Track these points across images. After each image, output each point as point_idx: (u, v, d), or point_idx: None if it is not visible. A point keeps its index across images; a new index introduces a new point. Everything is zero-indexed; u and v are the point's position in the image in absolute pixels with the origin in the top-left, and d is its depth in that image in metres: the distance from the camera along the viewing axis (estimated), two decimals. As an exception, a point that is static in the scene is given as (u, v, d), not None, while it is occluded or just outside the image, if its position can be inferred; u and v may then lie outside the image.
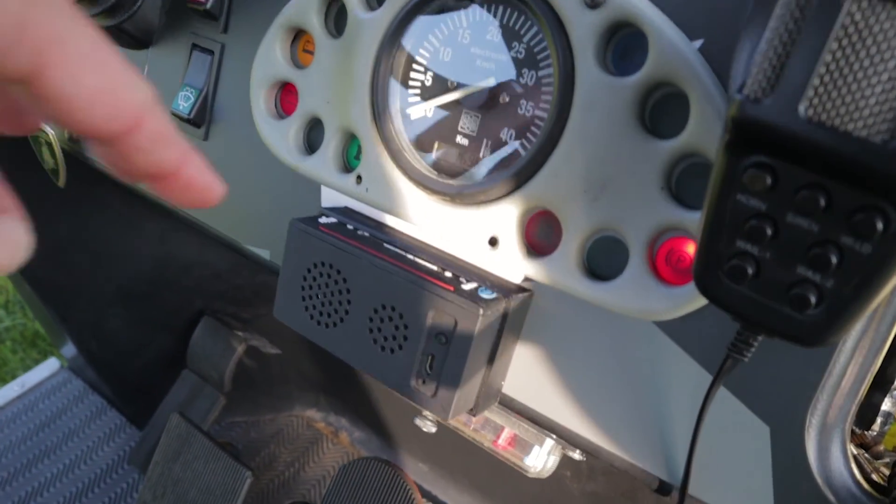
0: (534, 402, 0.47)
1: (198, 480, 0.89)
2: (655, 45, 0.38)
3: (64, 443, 1.20)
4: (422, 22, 0.48)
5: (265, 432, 1.23)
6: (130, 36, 0.64)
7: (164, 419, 1.09)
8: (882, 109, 0.25)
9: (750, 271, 0.30)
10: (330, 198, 0.55)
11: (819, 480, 0.38)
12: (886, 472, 0.49)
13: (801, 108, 0.26)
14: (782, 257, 0.29)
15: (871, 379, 0.39)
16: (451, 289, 0.43)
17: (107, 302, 1.11)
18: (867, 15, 0.25)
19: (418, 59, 0.48)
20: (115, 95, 0.22)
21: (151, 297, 1.12)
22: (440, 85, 0.48)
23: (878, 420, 0.53)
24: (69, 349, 1.23)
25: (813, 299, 0.29)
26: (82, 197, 0.97)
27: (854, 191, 0.27)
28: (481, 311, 0.41)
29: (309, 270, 0.49)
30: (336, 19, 0.53)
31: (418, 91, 0.49)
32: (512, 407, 0.48)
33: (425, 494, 1.09)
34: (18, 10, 0.20)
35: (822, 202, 0.27)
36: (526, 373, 0.47)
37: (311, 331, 0.49)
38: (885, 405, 0.53)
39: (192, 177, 0.25)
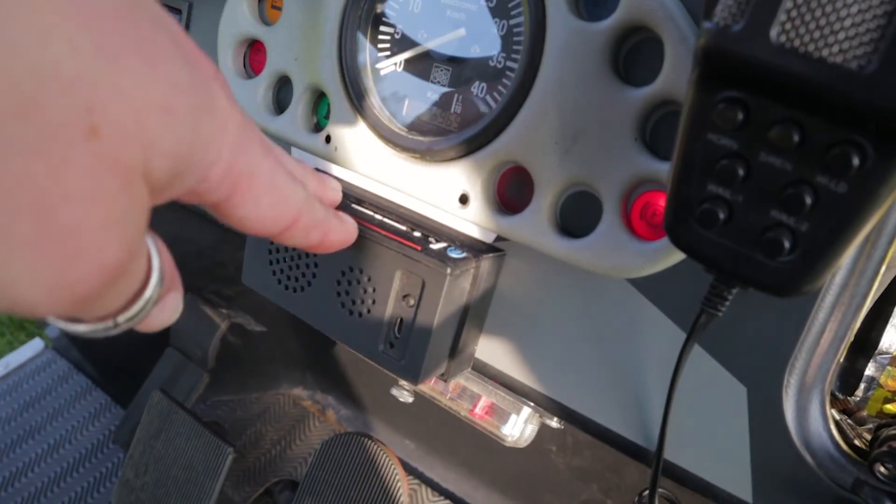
0: (508, 367, 0.45)
1: (180, 457, 0.88)
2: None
3: (49, 422, 1.19)
4: (390, -28, 0.45)
5: (251, 411, 1.22)
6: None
7: (148, 397, 1.08)
8: (858, 32, 0.23)
9: (721, 216, 0.29)
10: (301, 158, 0.53)
11: (797, 442, 0.37)
12: (869, 437, 0.48)
13: (773, 34, 0.25)
14: (755, 200, 0.28)
15: (852, 337, 0.37)
16: (419, 248, 0.41)
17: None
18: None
19: (387, 11, 0.46)
20: (281, 207, 0.26)
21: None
22: (410, 39, 0.46)
23: (862, 386, 0.52)
24: (53, 329, 1.21)
25: (787, 244, 0.27)
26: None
27: (829, 124, 0.25)
28: (449, 271, 0.40)
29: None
30: (304, -27, 0.51)
31: (388, 45, 0.47)
32: (486, 373, 0.46)
33: (412, 471, 1.08)
34: (230, 156, 0.22)
35: (796, 138, 0.26)
36: (499, 337, 0.45)
37: (280, 296, 0.48)
38: (869, 370, 0.51)
39: (333, 242, 0.32)
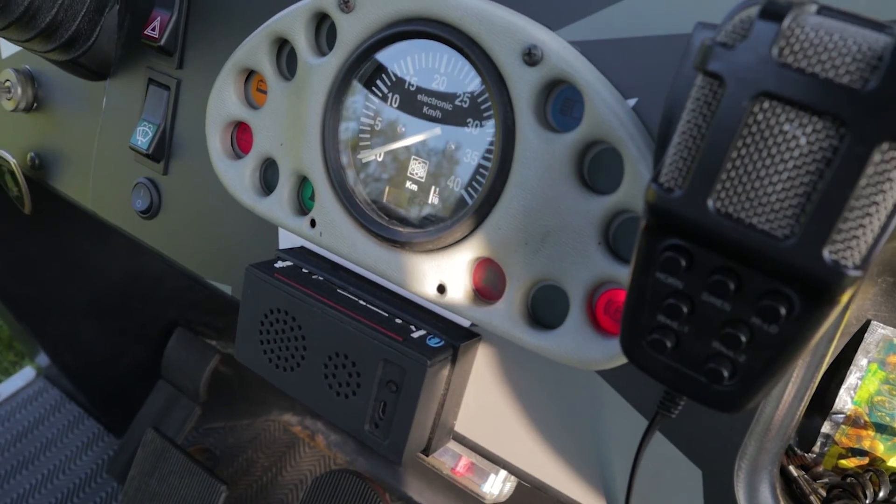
0: (484, 440, 0.48)
1: (174, 494, 0.91)
2: (590, 103, 0.39)
3: (42, 453, 1.21)
4: (369, 70, 0.48)
5: (242, 437, 1.24)
6: (87, 69, 0.63)
7: (141, 430, 1.10)
8: (783, 206, 0.27)
9: (669, 344, 0.32)
10: (288, 236, 0.56)
11: (750, 519, 0.40)
12: (824, 493, 0.51)
13: (710, 203, 0.28)
14: (699, 333, 0.31)
15: (797, 424, 0.41)
16: (400, 339, 0.44)
17: (80, 314, 1.11)
18: (769, 116, 0.26)
19: (367, 104, 0.49)
20: None
21: (124, 308, 1.13)
22: (390, 130, 0.48)
23: (819, 442, 0.55)
24: (43, 358, 1.23)
25: (726, 373, 0.31)
26: (51, 214, 0.96)
27: (761, 276, 0.28)
28: (429, 363, 0.42)
29: (266, 316, 0.50)
30: (288, 60, 0.53)
31: (368, 136, 0.49)
32: (465, 443, 0.49)
33: (401, 497, 1.12)
34: None
35: (733, 286, 0.29)
36: (477, 412, 0.48)
37: (271, 374, 0.50)
38: (825, 428, 0.55)
39: None
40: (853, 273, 0.26)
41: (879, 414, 0.54)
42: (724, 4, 0.37)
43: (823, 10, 0.27)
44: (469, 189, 0.46)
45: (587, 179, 0.41)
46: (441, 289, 0.46)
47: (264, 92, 0.55)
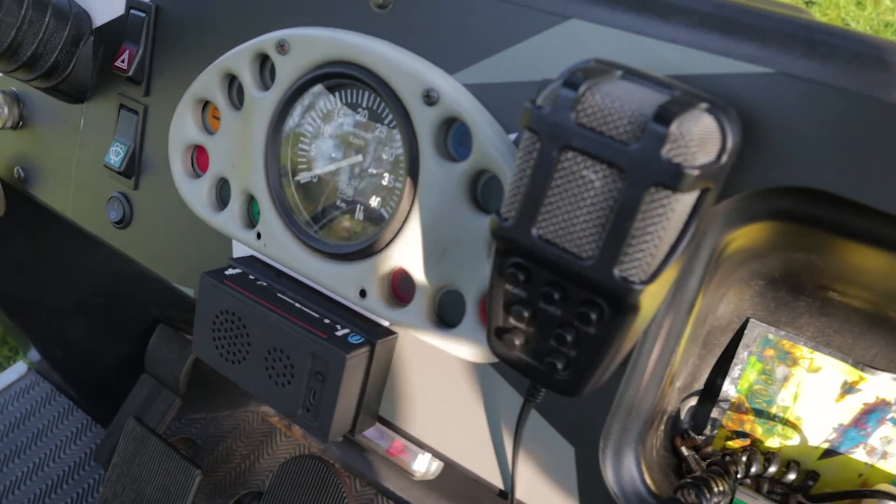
0: (406, 424, 0.56)
1: (153, 478, 0.98)
2: (476, 138, 0.47)
3: (33, 443, 1.28)
4: (305, 102, 0.56)
5: (223, 428, 1.32)
6: (66, 94, 0.71)
7: (125, 421, 1.18)
8: (585, 233, 0.34)
9: (518, 342, 0.39)
10: (240, 245, 0.64)
11: (614, 491, 0.48)
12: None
13: (534, 230, 0.35)
14: (539, 332, 0.38)
15: (660, 405, 0.48)
16: (325, 336, 0.52)
17: (68, 313, 1.19)
18: (572, 164, 0.34)
19: (303, 133, 0.56)
20: None
21: (109, 307, 1.20)
22: (322, 156, 0.56)
23: (709, 426, 0.63)
24: (34, 354, 1.31)
25: (560, 365, 0.38)
26: (40, 221, 1.04)
27: (579, 288, 0.36)
28: (347, 356, 0.50)
29: (217, 316, 0.57)
30: (238, 92, 0.61)
31: (305, 161, 0.57)
32: (390, 427, 0.57)
33: (371, 482, 1.19)
34: None
35: (558, 296, 0.36)
36: (399, 399, 0.56)
37: (222, 366, 0.58)
38: (714, 414, 0.63)
39: None
40: (639, 287, 0.33)
41: (758, 401, 0.61)
42: (588, 55, 0.44)
43: (627, 75, 0.34)
44: (386, 208, 0.53)
45: (480, 201, 0.49)
46: (363, 293, 0.54)
47: (219, 119, 0.62)
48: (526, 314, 0.38)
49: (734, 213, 0.42)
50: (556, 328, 0.37)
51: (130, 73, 0.66)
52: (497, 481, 0.52)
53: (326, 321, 0.54)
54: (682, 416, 0.64)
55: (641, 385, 0.47)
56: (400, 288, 0.54)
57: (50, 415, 1.33)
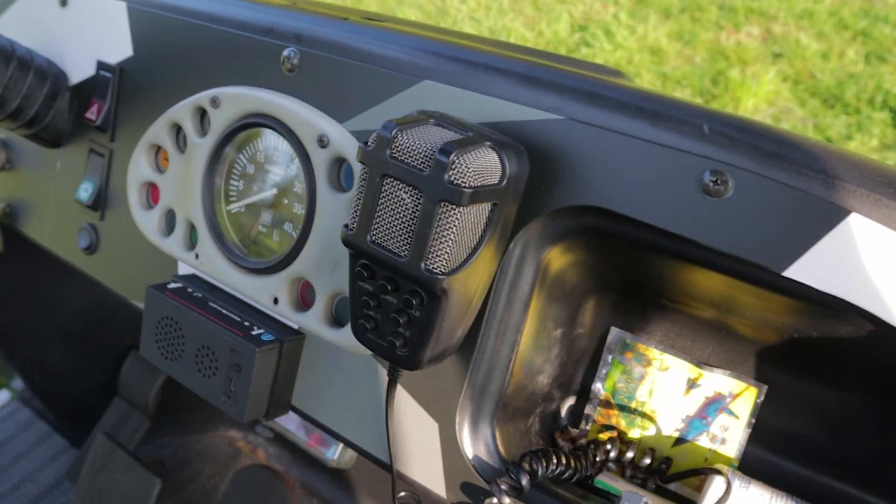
0: (314, 411, 0.67)
1: (118, 488, 1.08)
2: (356, 173, 0.59)
3: (13, 465, 1.37)
4: (234, 146, 0.68)
5: (191, 451, 1.41)
6: (45, 140, 0.84)
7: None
8: (402, 237, 0.46)
9: (370, 326, 0.51)
10: (184, 266, 0.76)
11: (468, 459, 0.58)
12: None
13: (368, 236, 0.47)
14: (383, 318, 0.50)
15: (503, 386, 0.59)
16: (242, 335, 0.63)
17: (48, 341, 1.30)
18: (390, 187, 0.46)
19: (234, 170, 0.69)
20: None
21: (86, 335, 1.31)
22: (247, 190, 0.68)
23: (583, 420, 0.74)
24: (18, 382, 1.41)
25: (398, 343, 0.50)
26: (23, 253, 1.16)
27: (404, 280, 0.48)
28: (257, 350, 0.61)
29: (159, 322, 0.69)
30: (182, 139, 0.74)
31: (235, 194, 0.69)
32: (301, 415, 0.68)
33: (307, 487, 1.27)
34: None
35: (392, 287, 0.48)
36: (308, 390, 0.67)
37: (162, 363, 0.69)
38: (587, 410, 0.73)
39: None
40: (442, 277, 0.45)
41: (621, 397, 0.72)
42: (434, 107, 0.57)
43: (439, 121, 0.47)
44: (295, 231, 0.65)
45: (364, 223, 0.61)
46: (276, 301, 0.65)
47: (168, 160, 0.75)
48: (372, 304, 0.50)
49: (549, 229, 0.54)
50: (393, 313, 0.49)
51: (98, 122, 0.79)
52: (383, 456, 0.62)
53: (246, 324, 0.66)
54: (563, 413, 0.75)
55: (489, 370, 0.57)
56: (306, 296, 0.66)
57: (29, 439, 1.42)
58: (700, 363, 0.68)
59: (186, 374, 0.67)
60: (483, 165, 0.44)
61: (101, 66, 0.79)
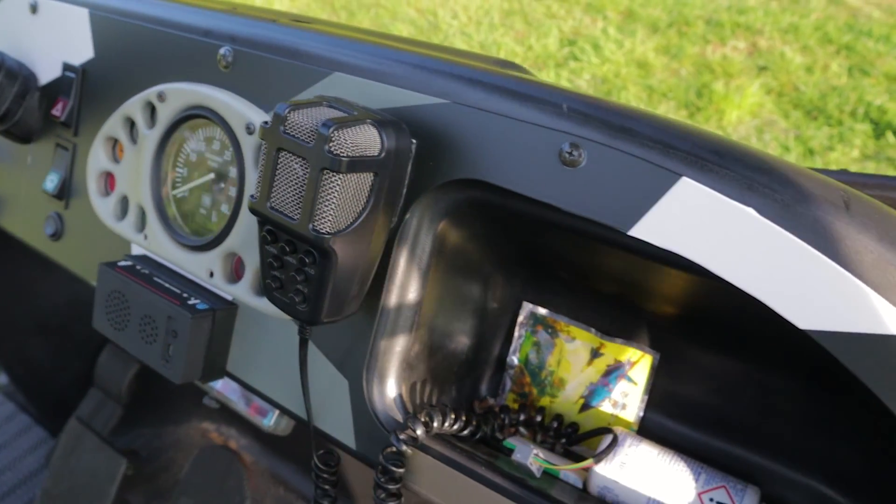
0: (247, 376, 0.73)
1: (87, 468, 1.14)
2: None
3: (-6, 455, 1.44)
4: (179, 137, 0.75)
5: (166, 441, 1.47)
6: (16, 136, 0.91)
7: (71, 426, 1.33)
8: (294, 202, 0.52)
9: (275, 285, 0.57)
10: (137, 248, 0.82)
11: (374, 415, 0.64)
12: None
13: (268, 204, 0.54)
14: (285, 277, 0.56)
15: (408, 347, 0.65)
16: (178, 304, 0.69)
17: (29, 334, 1.37)
18: (284, 159, 0.52)
19: (178, 159, 0.76)
20: None
21: (66, 328, 1.38)
22: (190, 175, 0.75)
23: (500, 389, 0.79)
24: (2, 377, 1.48)
25: (298, 299, 0.56)
26: (3, 250, 1.23)
27: (300, 241, 0.54)
28: (190, 317, 0.68)
29: (108, 295, 0.75)
30: (135, 131, 0.81)
31: (180, 179, 0.76)
32: (235, 380, 0.74)
33: (267, 469, 1.32)
34: None
35: (290, 248, 0.55)
36: (241, 356, 0.73)
37: (111, 333, 0.76)
38: (504, 380, 0.79)
39: None
40: (328, 236, 0.52)
41: (532, 367, 0.78)
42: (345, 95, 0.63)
43: (331, 103, 0.54)
44: (230, 211, 0.72)
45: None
46: (211, 274, 0.72)
47: (123, 151, 0.82)
48: (276, 265, 0.56)
49: (440, 202, 0.60)
50: (293, 272, 0.55)
51: (63, 118, 0.86)
52: (302, 413, 0.68)
53: (185, 295, 0.72)
54: (483, 384, 0.81)
55: (392, 331, 0.63)
56: (239, 269, 0.72)
57: (11, 430, 1.49)
58: (602, 333, 0.74)
59: (132, 342, 0.73)
60: (362, 139, 0.51)
61: (66, 67, 0.87)
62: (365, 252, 0.55)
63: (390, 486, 0.60)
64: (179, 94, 0.73)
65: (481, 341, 0.77)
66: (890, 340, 0.44)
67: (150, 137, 0.76)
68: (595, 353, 0.75)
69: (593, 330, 0.74)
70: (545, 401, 0.77)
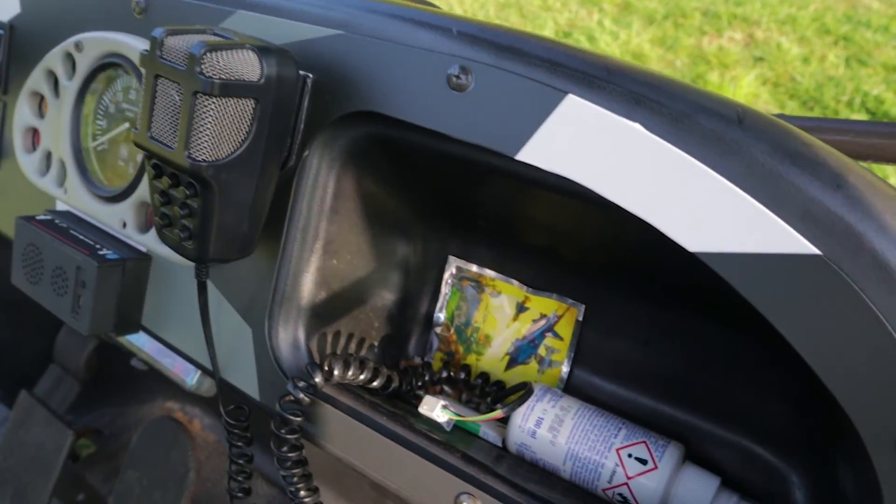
0: (162, 330, 0.71)
1: (36, 440, 1.12)
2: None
3: (-43, 433, 1.43)
4: (97, 88, 0.74)
5: (129, 420, 1.45)
6: (-48, 98, 0.90)
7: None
8: (170, 130, 0.51)
9: (163, 223, 0.55)
10: (62, 204, 0.81)
11: (276, 363, 0.62)
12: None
13: (149, 134, 0.52)
14: (175, 213, 0.54)
15: (314, 294, 0.63)
16: (88, 253, 0.68)
17: (-11, 310, 1.36)
18: (162, 86, 0.50)
19: (98, 110, 0.74)
20: None
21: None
22: (109, 126, 0.74)
23: (428, 348, 0.77)
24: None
25: (184, 235, 0.54)
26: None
27: (181, 172, 0.52)
28: (98, 265, 0.66)
29: (25, 248, 0.74)
30: (57, 85, 0.79)
31: (100, 131, 0.75)
32: (151, 334, 0.72)
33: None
34: None
35: (173, 181, 0.53)
36: (157, 310, 0.71)
37: (28, 287, 0.74)
38: (431, 338, 0.77)
39: None
40: (205, 164, 0.50)
41: (458, 324, 0.76)
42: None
43: (214, 31, 0.52)
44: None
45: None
46: (124, 224, 0.70)
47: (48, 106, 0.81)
48: (163, 200, 0.54)
49: (339, 138, 0.58)
50: (178, 206, 0.53)
51: (-8, 77, 0.85)
52: (209, 364, 0.66)
53: (97, 246, 0.70)
54: (412, 343, 0.78)
55: (295, 276, 0.61)
56: (151, 219, 0.70)
57: (-25, 410, 1.48)
58: (527, 287, 0.71)
59: (45, 296, 0.72)
60: (237, 63, 0.49)
61: (-3, 24, 0.86)
62: (252, 186, 0.53)
63: (289, 437, 0.58)
64: (95, 42, 0.72)
65: (407, 298, 0.75)
66: (783, 260, 0.42)
67: (69, 89, 0.75)
68: (521, 308, 0.72)
69: (518, 283, 0.72)
70: (471, 359, 0.75)
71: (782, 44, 3.71)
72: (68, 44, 0.74)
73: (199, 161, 0.49)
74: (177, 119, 0.50)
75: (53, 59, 0.76)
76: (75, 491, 1.21)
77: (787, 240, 0.41)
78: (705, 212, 0.43)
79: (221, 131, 0.50)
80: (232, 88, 0.48)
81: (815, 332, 0.42)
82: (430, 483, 0.54)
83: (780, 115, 0.98)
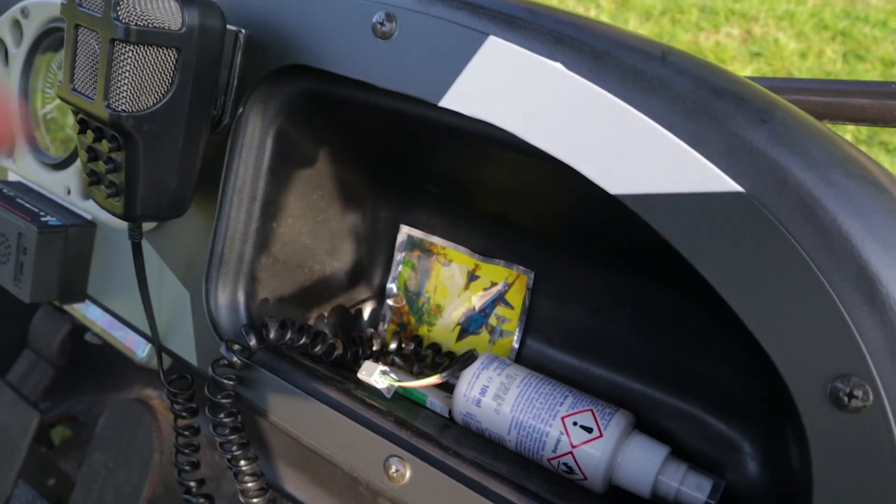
0: (107, 300, 0.70)
1: (2, 422, 1.12)
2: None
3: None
4: (45, 55, 0.73)
5: (105, 406, 1.45)
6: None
7: (3, 389, 1.31)
8: (90, 80, 0.49)
9: (91, 180, 0.54)
10: (15, 176, 0.80)
11: (215, 327, 0.60)
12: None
13: (71, 86, 0.51)
14: (99, 169, 0.53)
15: (253, 257, 0.61)
16: (29, 219, 0.67)
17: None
18: (81, 35, 0.49)
19: (47, 78, 0.74)
20: None
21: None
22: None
23: (381, 321, 0.75)
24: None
25: (111, 191, 0.53)
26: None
27: (104, 126, 0.51)
28: (38, 231, 0.65)
29: (-30, 219, 0.73)
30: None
31: (49, 98, 0.74)
32: (97, 303, 0.71)
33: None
34: None
35: (97, 136, 0.51)
36: (102, 279, 0.70)
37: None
38: (384, 310, 0.75)
39: None
40: (125, 114, 0.48)
41: (410, 295, 0.74)
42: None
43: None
44: (88, 126, 0.69)
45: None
46: (68, 191, 0.69)
47: (4, 73, 0.80)
48: (89, 156, 0.53)
49: (274, 96, 0.57)
50: (104, 161, 0.52)
51: (-52, 49, 0.84)
52: (147, 329, 0.65)
53: (41, 213, 0.69)
54: (366, 315, 0.77)
55: (231, 238, 0.60)
56: (96, 187, 0.69)
57: (-47, 396, 1.47)
58: (477, 254, 0.70)
59: (-10, 265, 0.71)
60: (156, 10, 0.47)
61: (-47, -4, 0.85)
62: (178, 140, 0.52)
63: (224, 402, 0.57)
64: (41, 7, 0.71)
65: (359, 268, 0.74)
66: (705, 199, 0.40)
67: (17, 57, 0.74)
68: (472, 277, 0.71)
69: (468, 251, 0.70)
70: (423, 330, 0.73)
71: (780, 39, 3.69)
72: (15, 10, 0.73)
73: (119, 111, 0.48)
74: (96, 68, 0.49)
75: (1, 27, 0.75)
76: (46, 476, 1.20)
77: (709, 178, 0.40)
78: (626, 152, 0.42)
79: (142, 81, 0.48)
80: (150, 35, 0.47)
81: (739, 275, 0.40)
82: (360, 447, 0.53)
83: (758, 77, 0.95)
